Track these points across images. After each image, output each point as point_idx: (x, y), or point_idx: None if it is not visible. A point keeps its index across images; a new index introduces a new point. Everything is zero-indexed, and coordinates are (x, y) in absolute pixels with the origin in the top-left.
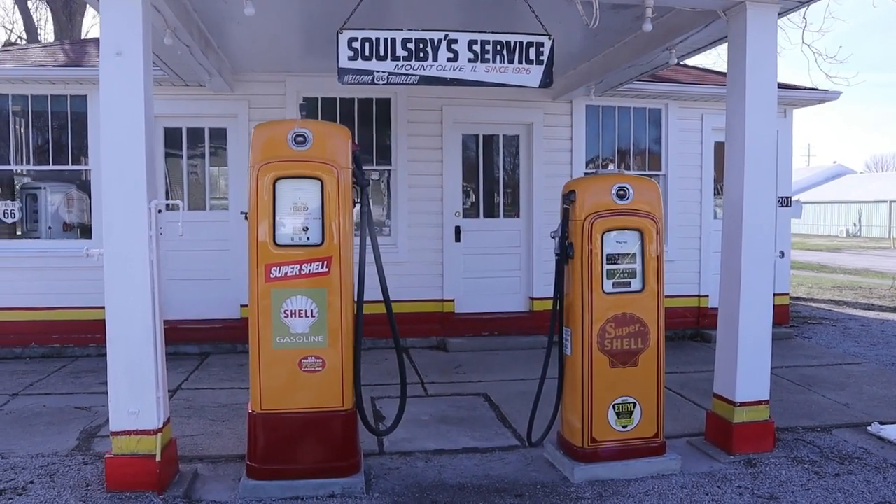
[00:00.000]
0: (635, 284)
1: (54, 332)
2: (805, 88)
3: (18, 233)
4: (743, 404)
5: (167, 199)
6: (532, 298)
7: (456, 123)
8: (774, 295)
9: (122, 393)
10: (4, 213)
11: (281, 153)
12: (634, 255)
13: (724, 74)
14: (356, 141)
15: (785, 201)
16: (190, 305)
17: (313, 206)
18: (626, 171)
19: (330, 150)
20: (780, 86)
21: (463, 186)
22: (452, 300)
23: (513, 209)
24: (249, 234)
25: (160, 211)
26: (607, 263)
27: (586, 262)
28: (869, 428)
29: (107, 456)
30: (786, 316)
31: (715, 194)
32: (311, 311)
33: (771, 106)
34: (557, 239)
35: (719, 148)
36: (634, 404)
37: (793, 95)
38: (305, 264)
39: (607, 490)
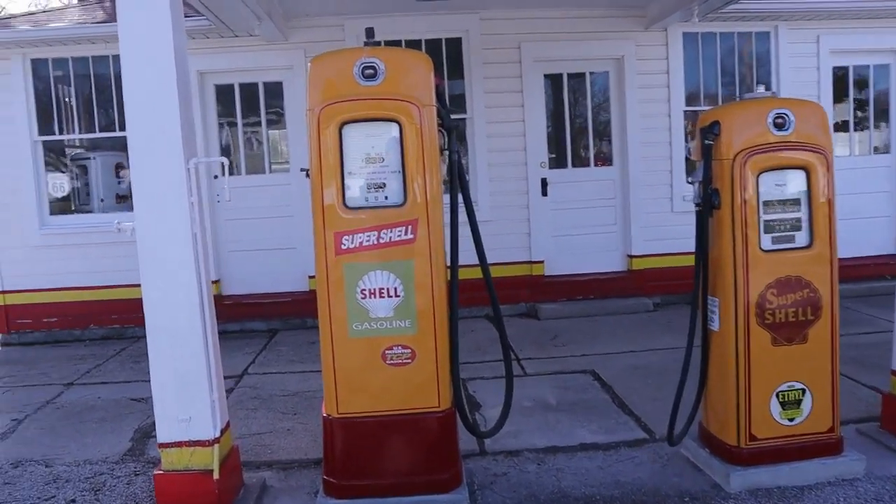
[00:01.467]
0: (801, 238)
1: (113, 313)
2: None
3: (72, 207)
4: None
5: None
6: (630, 256)
7: (536, 62)
8: None
9: (168, 397)
10: (53, 187)
11: (346, 90)
12: (798, 200)
13: None
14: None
15: None
16: (254, 278)
17: (391, 157)
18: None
19: (408, 83)
20: None
21: (548, 133)
22: (542, 261)
23: (604, 156)
24: (313, 196)
25: (216, 177)
26: (765, 213)
27: (738, 213)
28: None
29: (156, 472)
30: None
31: (836, 129)
32: (395, 289)
33: None
34: (697, 185)
35: (839, 74)
36: (803, 391)
37: None
38: (385, 230)
39: (775, 502)
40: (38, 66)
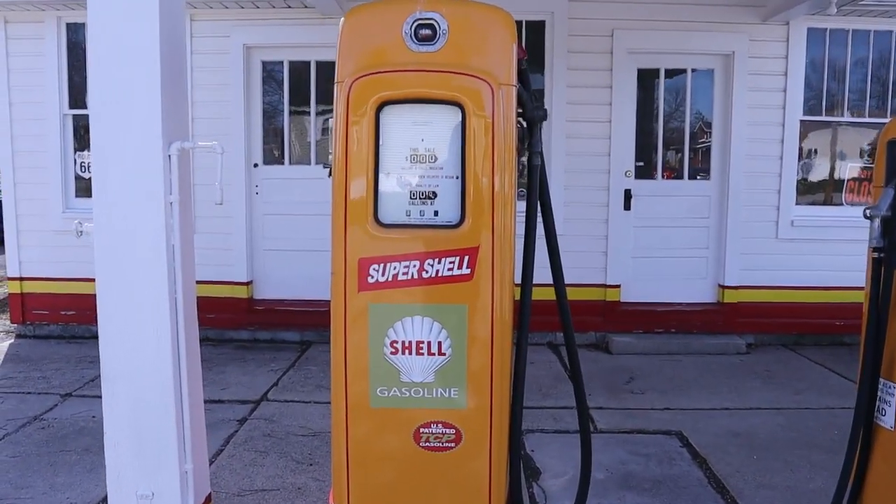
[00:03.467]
0: None
1: None
2: None
3: None
4: None
5: (265, 153)
6: (723, 287)
7: (630, 54)
8: None
9: (124, 464)
10: (82, 167)
11: (391, 57)
12: None
13: None
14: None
15: None
16: (289, 282)
17: (447, 156)
18: None
19: (480, 52)
20: None
21: (636, 138)
22: (618, 286)
23: (702, 168)
24: (333, 204)
25: (255, 165)
26: None
27: None
28: None
29: None
30: None
31: None
32: (439, 343)
33: None
34: (878, 221)
35: None
36: None
37: None
38: (431, 260)
39: None
40: (73, 31)
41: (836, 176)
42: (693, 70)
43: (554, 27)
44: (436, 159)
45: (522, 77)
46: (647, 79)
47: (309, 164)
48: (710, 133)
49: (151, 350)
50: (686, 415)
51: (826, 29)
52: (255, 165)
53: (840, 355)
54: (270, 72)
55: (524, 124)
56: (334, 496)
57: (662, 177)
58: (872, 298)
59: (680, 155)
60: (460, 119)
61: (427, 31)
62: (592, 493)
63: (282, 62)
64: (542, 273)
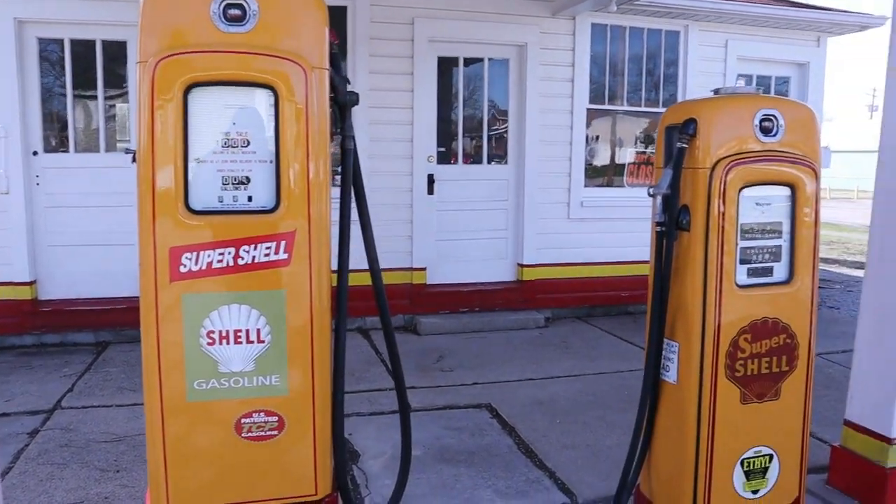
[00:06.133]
0: (780, 272)
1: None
2: (841, 11)
3: None
4: None
5: (45, 140)
6: (521, 265)
7: (431, 42)
8: None
9: None
10: None
11: (199, 37)
12: (780, 224)
13: None
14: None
15: None
16: (80, 279)
17: (260, 140)
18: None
19: (292, 34)
20: (811, 7)
21: (438, 125)
22: (424, 269)
23: (500, 153)
24: (139, 192)
25: (34, 153)
26: (742, 239)
27: (714, 237)
28: None
29: None
30: None
31: None
32: (258, 331)
33: None
34: (660, 198)
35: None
36: (771, 457)
37: (827, 19)
38: (247, 247)
39: None
40: None
41: (618, 160)
42: (490, 59)
43: (356, 13)
44: (248, 143)
45: (334, 61)
46: (447, 67)
47: (98, 151)
48: (507, 120)
49: None
50: (494, 388)
51: (607, 25)
52: (35, 154)
53: (626, 323)
54: (49, 51)
55: (338, 109)
56: (151, 499)
57: (463, 162)
58: (656, 268)
59: (480, 140)
60: (273, 102)
61: (236, 12)
62: (411, 470)
63: (62, 40)
64: (354, 259)
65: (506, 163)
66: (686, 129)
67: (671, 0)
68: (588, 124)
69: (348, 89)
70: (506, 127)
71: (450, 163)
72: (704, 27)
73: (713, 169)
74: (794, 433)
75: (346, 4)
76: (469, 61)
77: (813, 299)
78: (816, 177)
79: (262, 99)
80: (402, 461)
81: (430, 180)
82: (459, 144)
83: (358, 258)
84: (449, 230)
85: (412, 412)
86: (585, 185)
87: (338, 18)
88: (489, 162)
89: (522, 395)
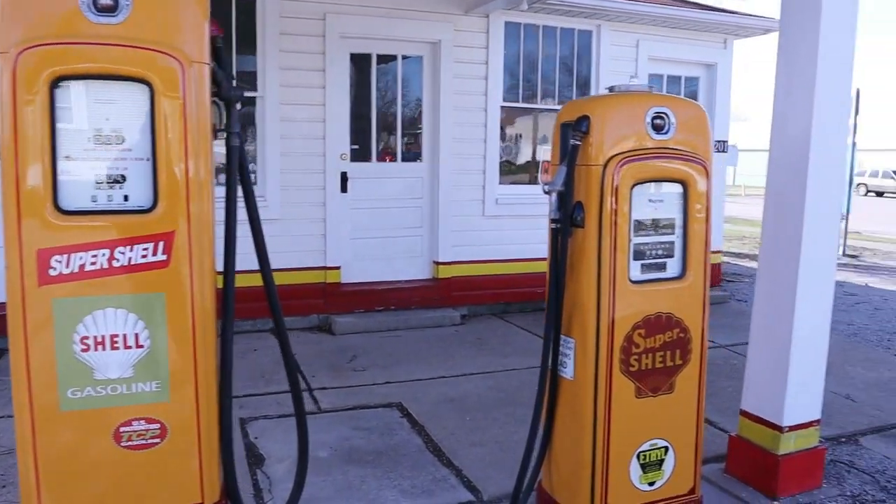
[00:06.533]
0: (673, 268)
1: None
2: (746, 14)
3: None
4: (793, 428)
5: None
6: (437, 263)
7: (343, 38)
8: (714, 252)
9: None
10: None
11: (67, 27)
12: (672, 220)
13: None
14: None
15: (721, 146)
16: None
17: (136, 137)
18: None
19: (167, 25)
20: (717, 10)
21: (351, 122)
22: (338, 267)
23: (414, 151)
24: (3, 194)
25: None
26: (635, 235)
27: (607, 234)
28: None
29: None
30: (719, 276)
31: None
32: (136, 336)
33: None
34: (555, 195)
35: (653, 81)
36: (666, 449)
37: (733, 22)
38: (122, 248)
39: None
40: None
41: (534, 157)
42: (404, 56)
43: (265, 7)
44: (123, 140)
45: (218, 55)
46: (360, 63)
47: None
48: (422, 117)
49: None
50: (405, 386)
51: (521, 24)
52: None
53: (541, 320)
54: None
55: (223, 105)
56: None
57: (378, 159)
58: (552, 265)
59: (394, 138)
60: (148, 97)
61: (107, 2)
62: (317, 472)
63: None
64: (245, 260)
65: (421, 160)
66: (579, 127)
67: (582, 0)
68: (503, 122)
69: (254, 92)
70: (420, 124)
71: (364, 160)
72: (616, 27)
73: (606, 166)
74: (688, 425)
75: None
76: (383, 58)
77: (705, 294)
78: (707, 174)
79: (136, 94)
80: (299, 466)
81: (344, 178)
82: (374, 142)
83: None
84: (364, 228)
85: (323, 413)
86: (501, 183)
87: (246, 12)
88: (404, 159)
89: (434, 393)
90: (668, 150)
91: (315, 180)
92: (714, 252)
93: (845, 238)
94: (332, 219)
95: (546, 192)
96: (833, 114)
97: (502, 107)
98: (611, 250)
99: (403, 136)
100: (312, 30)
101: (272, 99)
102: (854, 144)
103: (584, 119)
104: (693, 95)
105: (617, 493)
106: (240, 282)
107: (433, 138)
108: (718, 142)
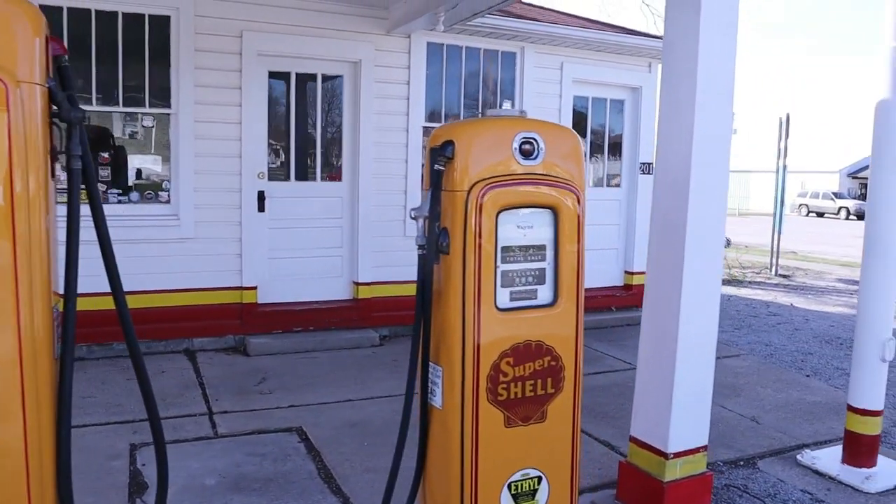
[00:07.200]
0: (544, 295)
1: None
2: None
3: None
4: (678, 455)
5: None
6: (357, 283)
7: (260, 56)
8: (632, 273)
9: None
10: None
11: None
12: (543, 247)
13: (584, 19)
14: (54, 38)
15: (646, 168)
16: None
17: None
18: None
19: None
20: (640, 34)
21: (269, 141)
22: (254, 287)
23: (333, 170)
24: None
25: None
26: (503, 262)
27: (472, 260)
28: (800, 458)
29: None
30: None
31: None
32: None
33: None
34: (422, 221)
35: (579, 104)
36: (540, 479)
37: (656, 46)
38: None
39: None
40: None
41: None
42: (324, 75)
43: (180, 24)
44: None
45: (62, 75)
46: (278, 81)
47: None
48: (342, 136)
49: None
50: (310, 410)
51: (444, 44)
52: None
53: None
54: None
55: (64, 126)
56: None
57: (296, 178)
58: (419, 291)
59: (314, 157)
60: None
61: None
62: (200, 500)
63: None
64: (149, 280)
65: (340, 180)
66: (443, 152)
67: (503, 22)
68: (426, 143)
69: (168, 109)
70: (341, 144)
71: (282, 180)
72: (540, 49)
73: (470, 191)
74: (562, 454)
75: (170, 14)
76: (302, 77)
77: (578, 321)
78: (579, 200)
79: None
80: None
81: (261, 197)
82: (292, 161)
83: (178, 278)
84: (282, 248)
85: (219, 438)
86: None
87: (161, 28)
88: (323, 179)
89: (338, 416)
90: (537, 176)
91: (231, 199)
92: (638, 273)
93: (777, 258)
94: (249, 238)
95: (413, 218)
96: (713, 137)
97: (424, 127)
98: (475, 277)
99: (323, 155)
100: (229, 47)
101: (186, 116)
102: (784, 167)
103: (449, 144)
104: (619, 118)
105: None
106: (140, 303)
107: (353, 158)
108: (643, 164)
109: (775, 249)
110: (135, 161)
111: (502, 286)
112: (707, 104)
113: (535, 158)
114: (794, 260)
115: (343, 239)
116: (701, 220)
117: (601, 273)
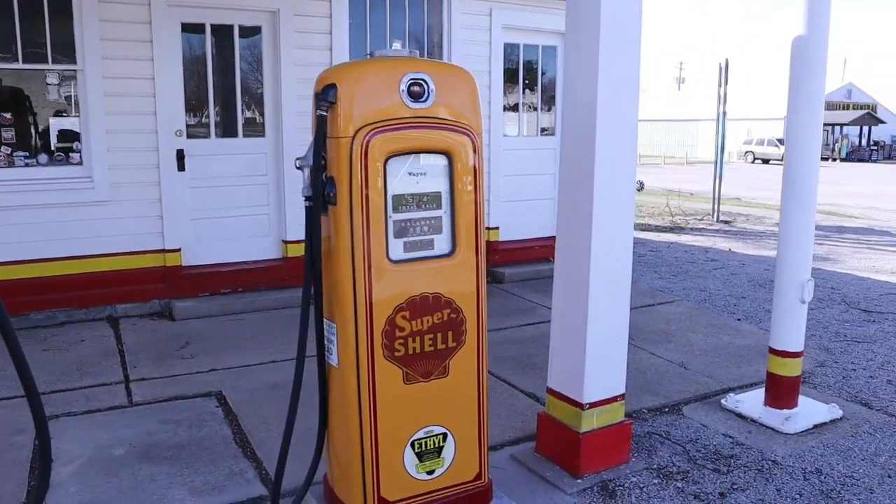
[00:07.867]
0: (441, 244)
1: None
2: None
3: None
4: (594, 405)
5: None
6: (286, 242)
7: (171, 7)
8: None
9: None
10: None
11: None
12: (438, 195)
13: None
14: None
15: None
16: None
17: None
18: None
19: None
20: None
21: (186, 96)
22: (178, 250)
23: (256, 126)
24: None
25: None
26: (395, 211)
27: (359, 211)
28: (724, 402)
29: None
30: None
31: (506, 109)
32: None
33: None
34: (307, 171)
35: (510, 51)
36: (445, 436)
37: None
38: None
39: None
40: None
41: None
42: (241, 26)
43: None
44: None
45: None
46: (194, 34)
47: None
48: (263, 90)
49: None
50: (231, 373)
51: None
52: None
53: None
54: None
55: None
56: None
57: (217, 135)
58: (307, 245)
59: (234, 113)
60: None
61: None
62: (105, 474)
63: None
64: (66, 245)
65: (264, 135)
66: (325, 96)
67: None
68: None
69: (72, 65)
70: (262, 98)
71: (202, 137)
72: None
73: (354, 137)
74: (468, 410)
75: None
76: (219, 28)
77: (479, 271)
78: (475, 144)
79: None
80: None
81: (180, 156)
82: (212, 117)
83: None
84: (205, 208)
85: (133, 406)
86: None
87: None
88: (246, 135)
89: (259, 379)
90: (428, 119)
91: (148, 158)
92: None
93: (718, 204)
94: (169, 199)
95: (298, 168)
96: (620, 79)
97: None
98: (364, 228)
99: (245, 110)
100: None
101: (94, 72)
102: (724, 114)
103: (331, 87)
104: (553, 65)
105: (391, 483)
106: (56, 270)
107: (276, 112)
108: None
109: (717, 196)
110: (42, 121)
111: (395, 237)
112: (611, 45)
113: (425, 101)
114: (737, 206)
115: (269, 197)
116: (609, 164)
117: (536, 223)
